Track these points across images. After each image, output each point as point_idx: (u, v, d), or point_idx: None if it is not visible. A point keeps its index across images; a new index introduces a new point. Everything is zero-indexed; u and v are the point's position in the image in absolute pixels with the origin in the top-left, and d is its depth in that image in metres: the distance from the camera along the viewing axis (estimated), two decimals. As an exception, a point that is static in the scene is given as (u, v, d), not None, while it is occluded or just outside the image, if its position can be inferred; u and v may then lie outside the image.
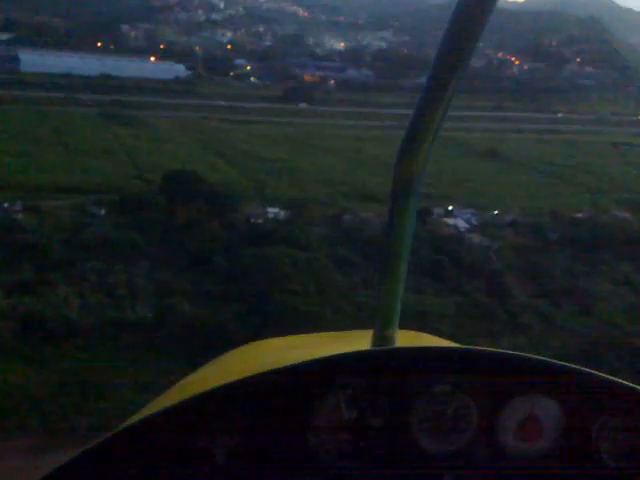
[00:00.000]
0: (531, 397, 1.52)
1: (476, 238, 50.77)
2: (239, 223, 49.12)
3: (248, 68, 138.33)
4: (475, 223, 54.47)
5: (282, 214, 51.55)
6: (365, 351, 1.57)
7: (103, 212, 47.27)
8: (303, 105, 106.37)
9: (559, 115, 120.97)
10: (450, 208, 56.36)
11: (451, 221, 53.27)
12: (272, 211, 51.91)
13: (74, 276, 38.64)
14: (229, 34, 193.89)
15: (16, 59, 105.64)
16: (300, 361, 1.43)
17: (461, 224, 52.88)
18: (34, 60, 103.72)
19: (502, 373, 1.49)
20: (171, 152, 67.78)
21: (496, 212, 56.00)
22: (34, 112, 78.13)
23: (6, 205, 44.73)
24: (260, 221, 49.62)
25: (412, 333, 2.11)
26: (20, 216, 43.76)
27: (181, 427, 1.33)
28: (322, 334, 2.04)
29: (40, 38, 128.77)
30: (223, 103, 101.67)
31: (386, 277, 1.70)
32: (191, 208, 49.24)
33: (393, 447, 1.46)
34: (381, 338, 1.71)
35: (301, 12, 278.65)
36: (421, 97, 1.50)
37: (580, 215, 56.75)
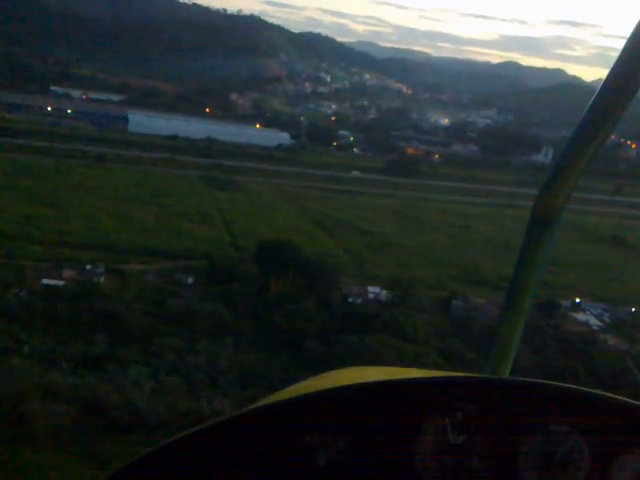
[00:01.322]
0: None
1: (611, 339, 43.07)
2: (336, 302, 43.99)
3: (351, 139, 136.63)
4: (608, 320, 46.77)
5: (384, 295, 46.05)
6: (480, 377, 1.48)
7: (190, 280, 43.47)
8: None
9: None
10: (578, 301, 48.97)
11: (580, 316, 45.90)
12: (373, 290, 46.53)
13: (150, 353, 34.41)
14: (334, 106, 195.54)
15: (125, 119, 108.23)
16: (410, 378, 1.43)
17: (592, 321, 45.40)
18: (142, 121, 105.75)
19: (621, 422, 1.38)
20: (268, 219, 64.37)
21: (633, 309, 47.98)
22: (136, 172, 77.74)
23: (88, 267, 41.72)
24: (359, 301, 44.29)
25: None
26: (101, 280, 40.54)
27: (288, 422, 1.34)
28: (422, 370, 1.77)
29: (150, 100, 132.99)
30: (325, 173, 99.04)
31: (509, 310, 1.60)
32: (285, 281, 44.72)
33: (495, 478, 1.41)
34: (493, 372, 1.65)
35: (405, 89, 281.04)
36: (577, 129, 1.43)
37: None
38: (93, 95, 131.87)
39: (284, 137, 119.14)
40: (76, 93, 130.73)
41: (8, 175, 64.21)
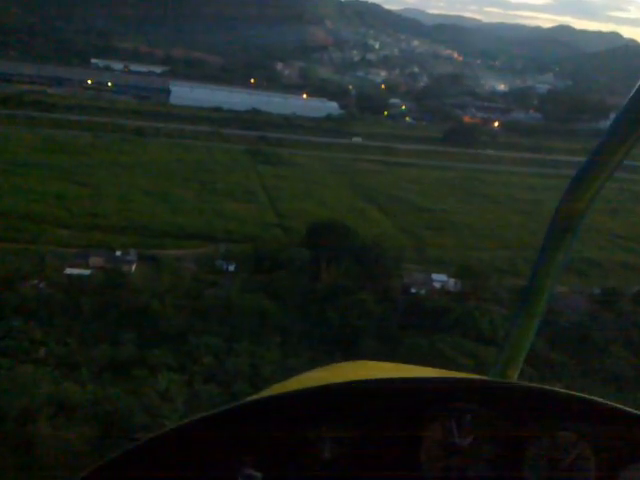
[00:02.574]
0: None
1: None
2: (396, 293, 38.41)
3: (403, 107, 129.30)
4: None
5: (451, 284, 40.23)
6: (489, 380, 1.53)
7: (232, 267, 38.48)
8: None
9: None
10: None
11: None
12: (438, 278, 40.79)
13: (183, 355, 29.65)
14: (383, 74, 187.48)
15: (167, 91, 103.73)
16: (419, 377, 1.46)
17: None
18: (184, 93, 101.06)
19: (630, 433, 1.39)
20: (318, 196, 58.89)
21: None
22: (177, 146, 73.12)
23: (118, 254, 37.02)
24: (423, 292, 38.61)
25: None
26: (132, 268, 35.85)
27: (295, 415, 1.37)
28: (427, 368, 1.83)
29: (193, 72, 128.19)
30: (377, 144, 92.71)
31: (523, 312, 1.64)
32: (338, 269, 39.37)
33: None
34: (502, 374, 1.66)
35: (455, 56, 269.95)
36: (604, 137, 1.44)
37: None
38: (135, 67, 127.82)
39: (333, 107, 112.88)
40: (117, 65, 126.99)
41: (41, 151, 60.42)
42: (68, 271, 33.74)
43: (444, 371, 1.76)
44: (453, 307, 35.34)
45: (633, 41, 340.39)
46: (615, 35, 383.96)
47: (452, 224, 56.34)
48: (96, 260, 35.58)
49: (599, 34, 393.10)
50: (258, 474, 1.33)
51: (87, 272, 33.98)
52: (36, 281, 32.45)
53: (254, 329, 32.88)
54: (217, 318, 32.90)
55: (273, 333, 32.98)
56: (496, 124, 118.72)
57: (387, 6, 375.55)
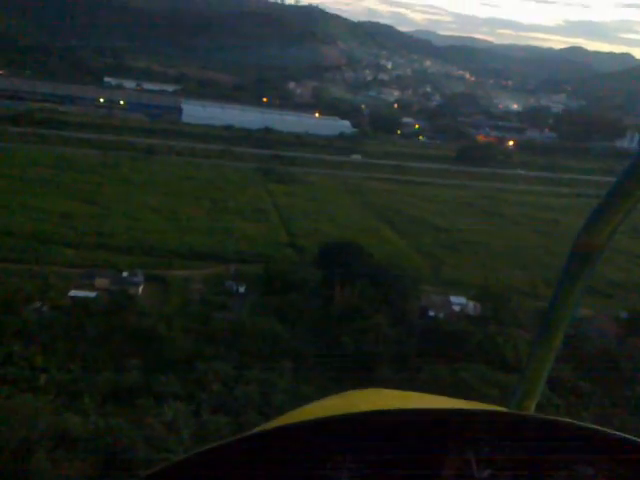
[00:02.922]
0: None
1: None
2: (413, 316, 36.81)
3: (416, 126, 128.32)
4: None
5: (470, 307, 38.58)
6: (507, 412, 1.51)
7: (242, 289, 37.08)
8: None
9: None
10: None
11: None
12: (457, 301, 39.15)
13: (192, 382, 28.20)
14: (396, 93, 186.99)
15: (178, 110, 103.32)
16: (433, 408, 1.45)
17: None
18: (196, 111, 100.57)
19: None
20: (331, 215, 57.55)
21: None
22: (188, 164, 72.22)
23: (125, 274, 35.73)
24: (442, 316, 36.96)
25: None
26: (139, 290, 34.51)
27: (309, 446, 1.35)
28: (442, 398, 1.80)
29: (206, 91, 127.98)
30: (390, 162, 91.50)
31: (541, 343, 1.63)
32: (352, 290, 37.85)
33: None
34: (519, 406, 1.65)
35: (468, 76, 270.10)
36: (626, 168, 1.39)
37: None
38: (147, 86, 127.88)
39: (345, 125, 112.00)
40: (130, 84, 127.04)
41: (50, 169, 59.61)
42: (72, 293, 32.47)
43: (460, 401, 1.68)
44: (474, 332, 33.66)
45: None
46: (628, 56, 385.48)
47: (469, 244, 54.77)
48: (102, 281, 34.31)
49: (611, 55, 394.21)
50: None
51: (92, 294, 32.68)
52: (39, 303, 31.18)
53: (265, 354, 31.39)
54: (226, 343, 31.45)
55: (285, 359, 31.45)
56: (510, 143, 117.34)
57: (399, 27, 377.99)
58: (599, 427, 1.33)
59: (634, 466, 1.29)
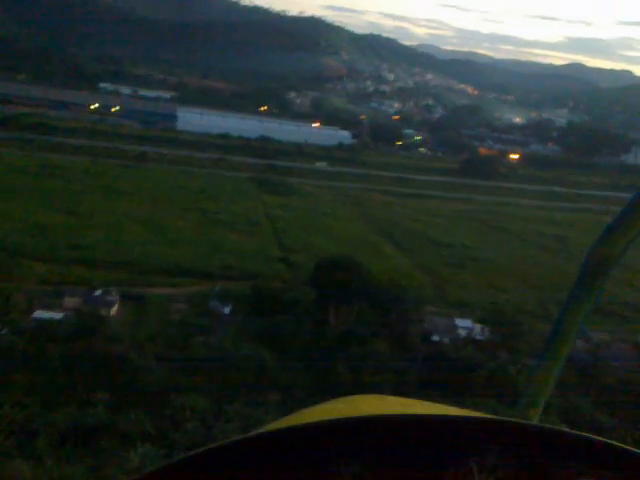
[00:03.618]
0: None
1: None
2: (416, 342, 33.52)
3: (417, 138, 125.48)
4: None
5: (477, 330, 35.33)
6: (514, 421, 1.41)
7: (228, 310, 33.77)
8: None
9: None
10: None
11: None
12: (463, 325, 35.93)
13: (165, 419, 24.88)
14: (397, 105, 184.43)
15: (174, 117, 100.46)
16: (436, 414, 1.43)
17: None
18: (192, 119, 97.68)
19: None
20: (327, 229, 54.36)
21: None
22: (180, 173, 69.10)
23: (97, 293, 32.32)
24: (447, 341, 33.69)
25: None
26: (113, 310, 31.16)
27: (310, 450, 1.27)
28: (445, 406, 1.64)
29: (204, 98, 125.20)
30: (391, 174, 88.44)
31: (547, 355, 1.66)
32: (349, 312, 34.63)
33: None
34: (522, 416, 1.67)
35: (470, 89, 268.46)
36: None
37: None
38: (144, 92, 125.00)
39: (345, 135, 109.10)
40: (125, 90, 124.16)
41: (32, 176, 56.38)
42: (37, 314, 29.11)
43: (466, 410, 1.59)
44: (483, 360, 30.43)
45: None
46: (627, 73, 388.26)
47: (474, 261, 51.58)
48: (72, 300, 30.99)
49: (612, 72, 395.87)
50: None
51: (59, 315, 29.35)
52: (-3, 326, 27.87)
53: (250, 386, 28.04)
54: (206, 373, 28.12)
55: (272, 390, 28.16)
56: (514, 156, 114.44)
57: (402, 41, 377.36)
58: (605, 439, 1.25)
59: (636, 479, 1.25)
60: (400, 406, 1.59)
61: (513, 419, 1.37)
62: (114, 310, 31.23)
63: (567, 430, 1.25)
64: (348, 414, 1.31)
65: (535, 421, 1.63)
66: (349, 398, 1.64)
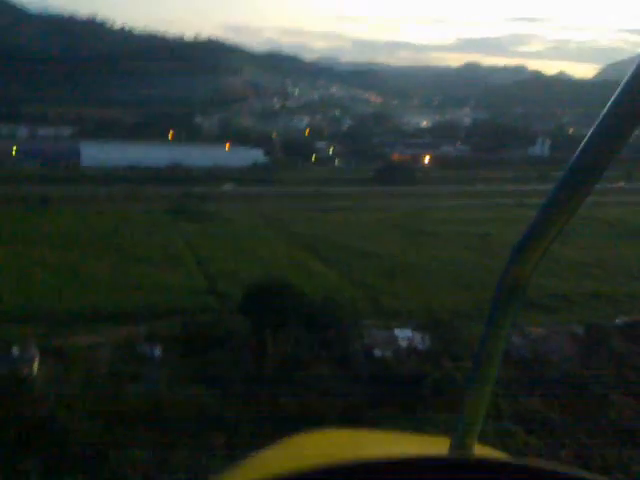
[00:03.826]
0: None
1: None
2: (358, 360, 32.49)
3: (330, 151, 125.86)
4: None
5: (418, 339, 34.74)
6: (449, 457, 1.51)
7: (158, 352, 31.70)
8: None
9: None
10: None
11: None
12: (402, 335, 35.24)
13: (105, 478, 22.72)
14: (306, 119, 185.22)
15: (77, 153, 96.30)
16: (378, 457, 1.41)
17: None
18: (96, 153, 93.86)
19: None
20: (252, 252, 52.85)
21: None
22: (89, 212, 65.84)
23: (15, 351, 29.55)
24: (389, 354, 32.88)
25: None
26: (34, 369, 28.52)
27: None
28: (391, 434, 1.82)
29: (107, 130, 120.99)
30: (308, 189, 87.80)
31: (476, 380, 1.64)
32: (286, 338, 33.26)
33: None
34: (460, 445, 1.63)
35: (373, 97, 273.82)
36: (550, 196, 1.35)
37: None
38: (42, 131, 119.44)
39: (257, 154, 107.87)
40: (22, 130, 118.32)
41: None
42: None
43: (412, 436, 1.66)
44: (428, 371, 29.76)
45: (538, 72, 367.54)
46: (521, 68, 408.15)
47: (402, 268, 51.35)
48: (-17, 363, 28.16)
49: (505, 69, 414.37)
50: None
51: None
52: None
53: (192, 431, 26.19)
54: (143, 423, 26.06)
55: (216, 432, 26.42)
56: (426, 159, 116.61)
57: (302, 55, 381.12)
58: (552, 467, 1.26)
59: None
60: (349, 444, 1.51)
61: (450, 455, 1.38)
62: (35, 368, 28.58)
63: (510, 460, 1.21)
64: (294, 459, 1.27)
65: (473, 448, 1.54)
66: (295, 439, 1.58)
